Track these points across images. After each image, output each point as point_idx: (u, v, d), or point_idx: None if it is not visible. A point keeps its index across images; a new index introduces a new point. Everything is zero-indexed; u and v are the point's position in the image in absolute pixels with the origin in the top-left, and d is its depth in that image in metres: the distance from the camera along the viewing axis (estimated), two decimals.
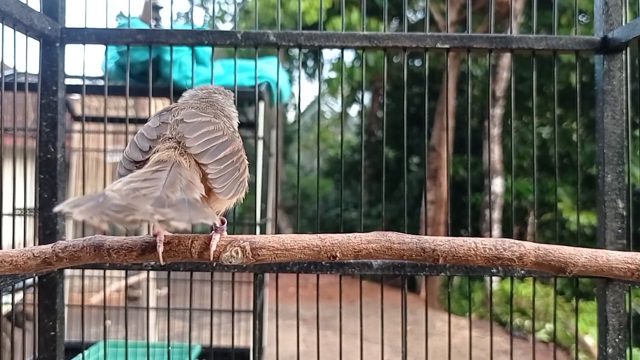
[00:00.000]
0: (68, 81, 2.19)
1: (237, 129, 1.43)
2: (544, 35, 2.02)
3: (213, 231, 1.14)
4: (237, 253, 1.11)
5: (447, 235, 1.18)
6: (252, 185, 1.40)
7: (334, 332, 1.95)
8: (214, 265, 1.88)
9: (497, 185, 10.43)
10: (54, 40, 1.92)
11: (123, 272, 2.35)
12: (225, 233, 1.16)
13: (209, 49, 2.10)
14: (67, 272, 2.56)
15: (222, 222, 1.15)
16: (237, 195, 1.15)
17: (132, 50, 2.07)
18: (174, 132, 1.16)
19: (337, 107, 19.51)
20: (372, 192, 13.53)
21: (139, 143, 1.16)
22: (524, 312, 8.71)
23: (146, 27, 2.07)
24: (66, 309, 2.21)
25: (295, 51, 2.12)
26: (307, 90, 29.82)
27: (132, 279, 5.18)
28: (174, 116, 1.21)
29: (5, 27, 1.65)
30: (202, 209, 0.93)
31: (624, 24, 1.95)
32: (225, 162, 1.13)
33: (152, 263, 1.96)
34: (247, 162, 1.25)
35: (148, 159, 1.12)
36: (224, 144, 1.16)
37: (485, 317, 9.07)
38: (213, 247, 1.12)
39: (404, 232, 1.13)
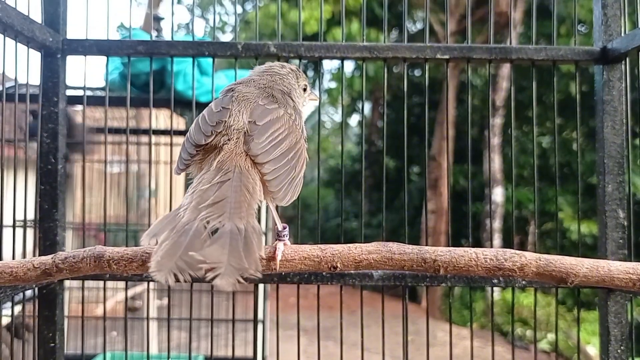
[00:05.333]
0: (69, 92, 2.19)
1: (301, 111, 1.43)
2: (544, 46, 2.03)
3: (276, 240, 1.13)
4: None
5: (448, 245, 1.18)
6: None
7: (334, 343, 1.94)
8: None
9: (498, 194, 10.42)
10: (55, 51, 1.92)
11: (123, 283, 2.34)
12: (288, 242, 1.14)
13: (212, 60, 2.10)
14: (67, 283, 2.56)
15: (284, 228, 1.14)
16: (293, 198, 1.15)
17: (137, 60, 2.08)
18: (235, 122, 1.19)
19: (338, 117, 19.54)
20: (373, 202, 13.51)
21: (202, 127, 1.20)
22: (525, 322, 8.67)
23: (147, 38, 2.08)
24: (66, 320, 2.20)
25: (295, 61, 2.14)
26: None
27: (133, 290, 5.16)
28: (236, 101, 1.25)
29: (7, 38, 1.66)
30: (254, 254, 0.92)
31: (623, 34, 1.96)
32: (281, 160, 1.14)
33: None
34: (305, 154, 1.24)
35: (208, 144, 1.17)
36: (282, 140, 1.18)
37: (486, 327, 9.03)
38: (279, 257, 1.10)
39: (405, 242, 1.13)
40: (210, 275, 0.84)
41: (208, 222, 0.94)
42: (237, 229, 0.94)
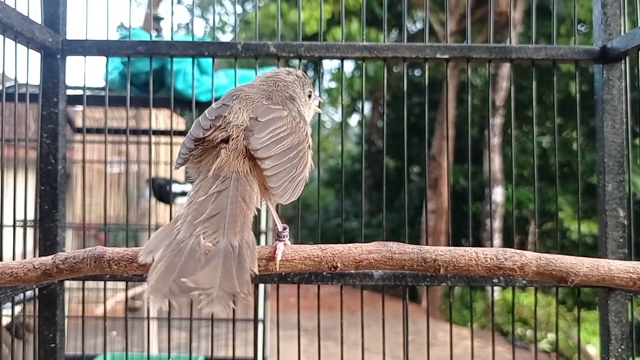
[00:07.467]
0: (69, 92, 2.19)
1: (305, 116, 1.43)
2: (543, 45, 2.03)
3: (277, 240, 1.13)
4: None
5: (448, 245, 1.17)
6: None
7: (335, 343, 1.94)
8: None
9: (498, 194, 10.41)
10: (55, 52, 1.92)
11: (122, 284, 2.34)
12: (289, 242, 1.15)
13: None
14: (67, 283, 2.56)
15: (284, 228, 1.15)
16: (293, 197, 1.15)
17: (136, 60, 2.08)
18: (236, 118, 1.20)
19: (337, 116, 19.52)
20: (373, 202, 13.50)
21: (201, 122, 1.21)
22: (525, 322, 8.66)
23: (147, 37, 2.07)
24: (66, 321, 2.20)
25: (295, 61, 2.14)
26: None
27: (133, 290, 5.16)
28: (237, 99, 1.26)
29: (6, 39, 1.66)
30: (246, 276, 0.93)
31: (622, 33, 1.96)
32: (282, 157, 1.13)
33: None
34: (308, 157, 1.24)
35: (207, 139, 1.17)
36: (284, 137, 1.17)
37: (486, 327, 9.03)
38: (279, 257, 1.11)
39: (405, 242, 1.13)
40: (203, 302, 0.86)
41: (203, 239, 0.96)
42: (231, 246, 0.95)
